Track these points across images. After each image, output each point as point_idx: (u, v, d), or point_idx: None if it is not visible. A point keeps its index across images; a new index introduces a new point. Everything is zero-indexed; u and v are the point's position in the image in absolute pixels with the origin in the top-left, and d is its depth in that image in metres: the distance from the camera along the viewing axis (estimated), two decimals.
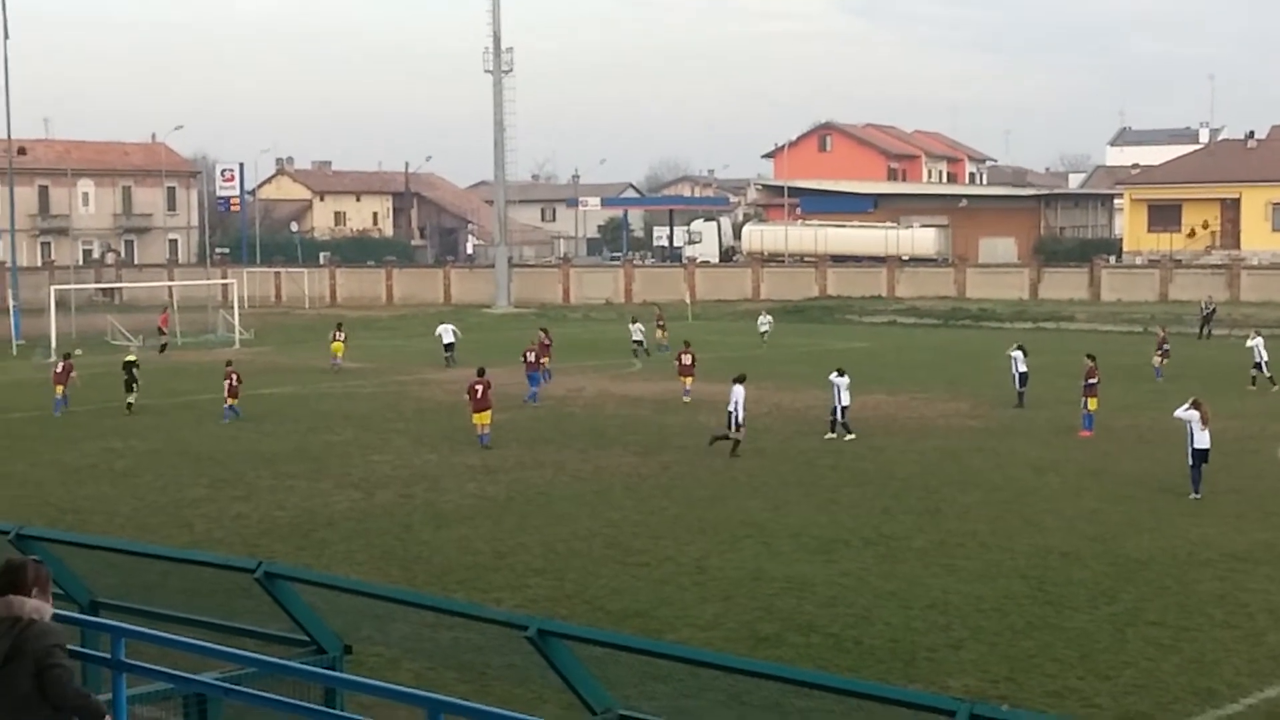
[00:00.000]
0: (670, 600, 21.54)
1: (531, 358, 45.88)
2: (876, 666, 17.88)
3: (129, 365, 44.50)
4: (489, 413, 36.06)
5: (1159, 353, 50.81)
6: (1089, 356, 38.97)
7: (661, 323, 63.55)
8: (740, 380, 35.27)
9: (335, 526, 27.05)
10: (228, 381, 41.80)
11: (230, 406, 41.57)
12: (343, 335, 57.50)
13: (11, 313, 71.62)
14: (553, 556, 24.34)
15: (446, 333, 58.35)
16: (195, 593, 16.59)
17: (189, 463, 34.32)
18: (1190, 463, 28.90)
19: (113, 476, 32.77)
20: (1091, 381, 37.64)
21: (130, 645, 8.67)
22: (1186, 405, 29.45)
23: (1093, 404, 37.50)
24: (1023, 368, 43.04)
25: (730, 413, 34.52)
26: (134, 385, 43.76)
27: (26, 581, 7.83)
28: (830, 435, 37.10)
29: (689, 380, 45.46)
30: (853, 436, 36.79)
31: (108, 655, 8.43)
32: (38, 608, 7.81)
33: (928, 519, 27.04)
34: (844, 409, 37.30)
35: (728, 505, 28.51)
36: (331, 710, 9.05)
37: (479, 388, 36.05)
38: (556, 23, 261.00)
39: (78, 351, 58.17)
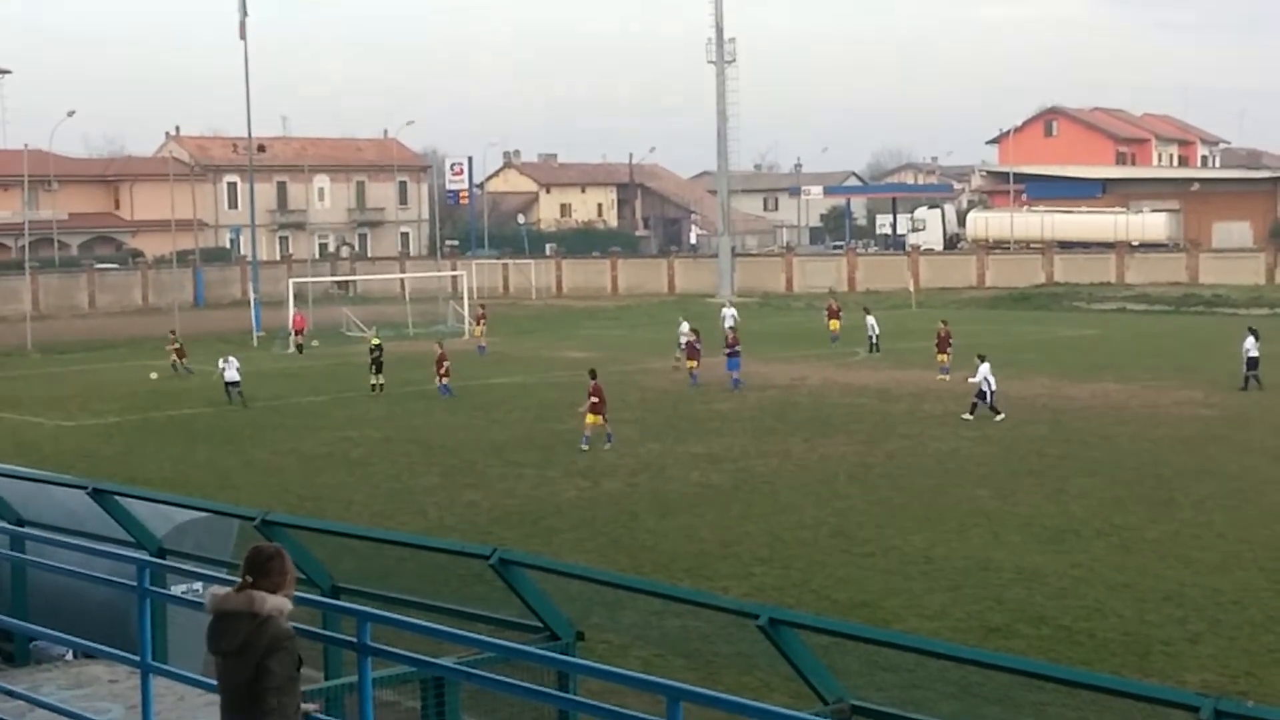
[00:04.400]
0: (897, 590, 21.40)
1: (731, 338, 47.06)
2: (1110, 660, 17.54)
3: (375, 349, 46.38)
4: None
5: None
6: None
7: (838, 312, 61.70)
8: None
9: (563, 514, 27.45)
10: (439, 364, 45.00)
11: (444, 385, 44.68)
12: (485, 319, 63.93)
13: (252, 305, 74.00)
14: (778, 545, 24.36)
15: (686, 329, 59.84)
16: (429, 578, 17.00)
17: (421, 451, 35.12)
18: None
19: (348, 465, 33.69)
20: None
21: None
22: None
23: None
24: (1254, 352, 42.23)
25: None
26: (380, 368, 45.75)
27: (274, 572, 7.76)
28: (967, 416, 37.48)
29: (945, 358, 46.33)
30: (1001, 417, 37.16)
31: (353, 639, 8.66)
32: (279, 606, 7.69)
33: (1161, 509, 26.39)
34: (992, 393, 37.89)
35: (954, 494, 28.20)
36: (566, 695, 9.20)
37: (601, 388, 35.25)
38: (779, 11, 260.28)
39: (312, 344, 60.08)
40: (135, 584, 9.81)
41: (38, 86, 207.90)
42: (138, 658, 9.65)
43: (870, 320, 57.00)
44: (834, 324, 59.94)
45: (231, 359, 45.25)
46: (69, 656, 13.74)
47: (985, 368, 38.04)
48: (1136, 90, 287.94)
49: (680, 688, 7.14)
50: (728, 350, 46.48)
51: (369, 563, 17.42)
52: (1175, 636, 18.70)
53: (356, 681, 8.92)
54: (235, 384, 44.53)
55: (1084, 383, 44.83)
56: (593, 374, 36.16)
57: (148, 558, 11.32)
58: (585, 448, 34.21)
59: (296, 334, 64.16)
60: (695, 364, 47.23)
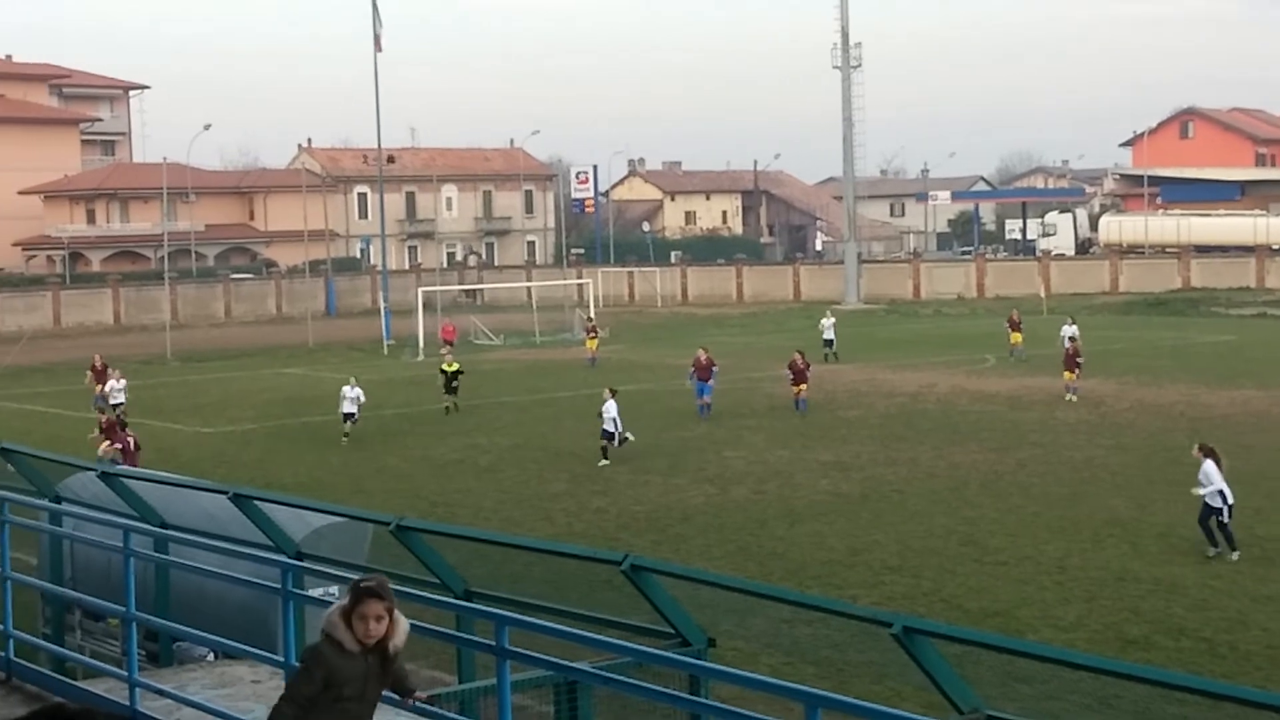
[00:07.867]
0: (1030, 600, 21.17)
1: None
2: (1254, 673, 17.21)
3: (455, 374, 44.57)
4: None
5: None
6: None
7: (1019, 323, 57.10)
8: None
9: (691, 521, 27.46)
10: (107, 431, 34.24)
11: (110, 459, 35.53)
12: (596, 333, 60.53)
13: (383, 314, 74.95)
14: (908, 554, 24.19)
15: (828, 328, 58.69)
16: (557, 583, 17.11)
17: (548, 458, 35.32)
18: None
19: (477, 471, 33.98)
20: None
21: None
22: None
23: None
24: None
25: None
26: (454, 389, 43.93)
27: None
28: (604, 462, 33.82)
29: (1072, 376, 43.02)
30: (605, 463, 33.70)
31: (490, 643, 8.74)
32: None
33: None
34: (619, 433, 34.27)
35: (1089, 503, 27.81)
36: (701, 700, 9.21)
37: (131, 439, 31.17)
38: (905, 14, 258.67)
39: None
40: (276, 586, 10.00)
41: (176, 101, 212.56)
42: (280, 658, 9.83)
43: (1071, 330, 50.20)
44: (1016, 336, 55.38)
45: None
46: (210, 657, 14.01)
47: (611, 404, 34.39)
48: (1276, 89, 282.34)
49: (818, 694, 7.13)
50: (696, 372, 41.98)
51: (500, 568, 17.57)
52: None
53: (492, 684, 9.00)
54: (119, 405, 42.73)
55: (1222, 390, 44.00)
56: (123, 425, 32.73)
57: (289, 561, 11.50)
58: None
59: (447, 344, 64.10)
60: (802, 388, 42.44)
